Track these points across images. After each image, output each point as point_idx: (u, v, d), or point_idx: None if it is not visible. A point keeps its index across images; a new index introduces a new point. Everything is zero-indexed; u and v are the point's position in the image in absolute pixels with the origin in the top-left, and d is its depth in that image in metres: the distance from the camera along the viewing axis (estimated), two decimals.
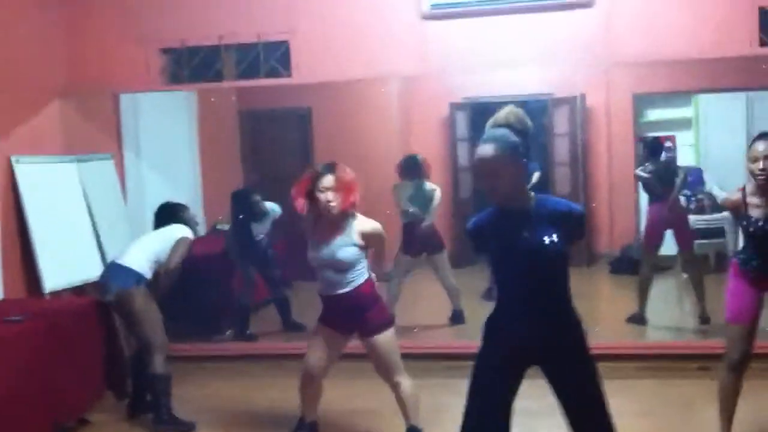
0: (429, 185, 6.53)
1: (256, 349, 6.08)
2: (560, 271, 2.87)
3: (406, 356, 4.27)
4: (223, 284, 6.64)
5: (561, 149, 8.78)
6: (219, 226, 7.18)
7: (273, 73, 5.78)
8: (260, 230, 6.56)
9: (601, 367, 5.20)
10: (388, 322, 4.05)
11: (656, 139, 6.87)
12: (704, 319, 6.27)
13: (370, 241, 4.02)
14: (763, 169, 3.58)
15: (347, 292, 3.95)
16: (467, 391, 2.94)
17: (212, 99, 6.12)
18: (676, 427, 4.36)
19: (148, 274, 4.70)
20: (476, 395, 2.92)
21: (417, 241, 6.44)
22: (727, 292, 3.85)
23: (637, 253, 7.36)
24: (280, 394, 5.02)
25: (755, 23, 5.34)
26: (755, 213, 3.69)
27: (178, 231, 4.82)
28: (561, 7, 5.67)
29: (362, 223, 3.99)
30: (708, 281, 6.43)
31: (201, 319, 6.40)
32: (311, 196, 3.89)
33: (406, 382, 4.03)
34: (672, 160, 6.66)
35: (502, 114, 2.88)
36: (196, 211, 7.32)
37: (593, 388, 2.86)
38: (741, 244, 3.91)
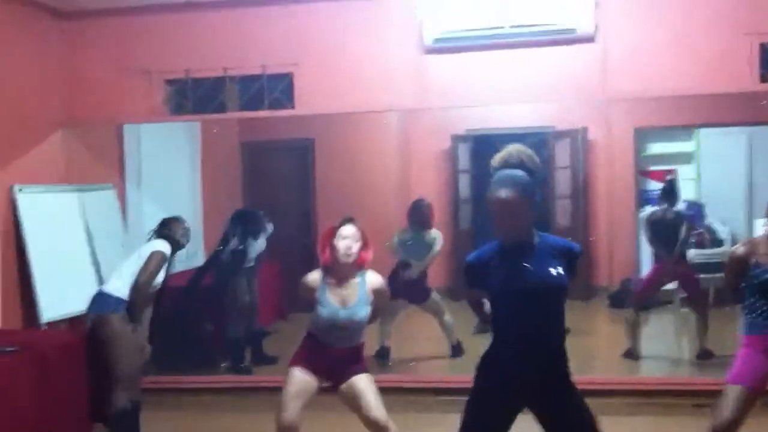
0: (431, 233, 6.50)
1: (252, 382, 6.00)
2: (560, 306, 2.93)
3: (401, 390, 4.27)
4: (216, 316, 6.61)
5: (562, 182, 8.78)
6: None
7: (276, 105, 5.84)
8: (257, 249, 6.53)
9: (596, 402, 5.20)
10: (366, 369, 4.04)
11: (673, 183, 6.77)
12: (704, 354, 6.22)
13: (378, 298, 4.01)
14: None
15: (349, 348, 3.96)
16: (459, 427, 2.93)
17: (215, 130, 6.16)
18: None
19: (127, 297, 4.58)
20: (468, 426, 2.93)
21: (399, 288, 6.39)
22: (736, 358, 3.77)
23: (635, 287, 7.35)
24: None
25: (756, 59, 5.38)
26: (765, 261, 3.66)
27: (153, 245, 4.70)
28: (561, 42, 5.74)
29: (374, 280, 3.98)
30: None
31: (200, 352, 6.39)
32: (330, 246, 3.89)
33: (392, 425, 3.93)
34: (679, 213, 6.57)
35: (512, 152, 2.94)
36: (197, 242, 7.37)
37: (589, 425, 2.88)
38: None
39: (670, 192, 6.50)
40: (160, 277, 4.69)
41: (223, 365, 6.46)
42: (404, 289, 6.33)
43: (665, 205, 6.47)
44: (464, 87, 5.92)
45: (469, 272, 3.01)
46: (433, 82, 5.87)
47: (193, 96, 5.91)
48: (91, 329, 4.61)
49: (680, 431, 4.86)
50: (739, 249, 3.81)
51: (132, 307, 4.57)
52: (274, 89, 5.86)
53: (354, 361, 3.99)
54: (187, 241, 5.01)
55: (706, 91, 5.60)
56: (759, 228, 5.12)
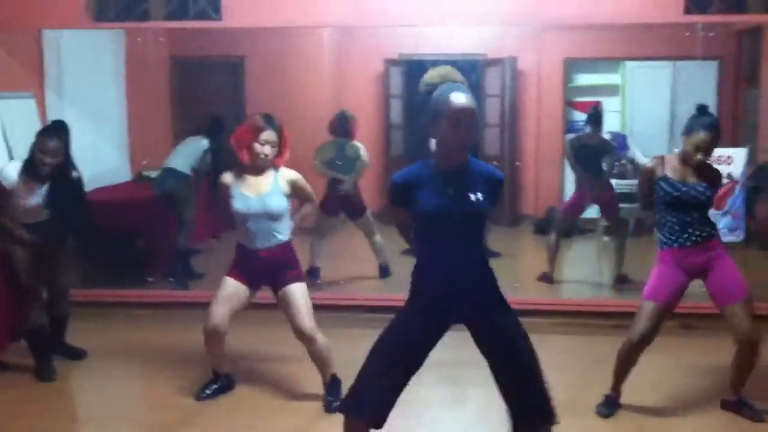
0: (354, 145, 6.44)
1: (181, 297, 5.98)
2: (481, 229, 2.93)
3: (331, 308, 4.32)
4: (150, 231, 6.51)
5: (492, 110, 8.86)
6: (145, 173, 7.02)
7: (203, 16, 5.63)
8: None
9: (521, 321, 5.41)
10: (303, 280, 4.12)
11: (599, 109, 6.83)
12: (621, 279, 6.48)
13: (296, 190, 4.08)
14: (700, 159, 3.80)
15: (274, 247, 4.00)
16: (380, 337, 2.91)
17: (139, 39, 5.92)
18: (589, 381, 4.50)
19: None
20: (389, 337, 2.89)
21: (335, 203, 6.43)
22: (652, 273, 3.97)
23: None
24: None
25: None
26: (674, 176, 3.87)
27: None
28: None
29: (287, 173, 4.06)
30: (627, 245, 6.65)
31: (127, 267, 6.31)
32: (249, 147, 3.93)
33: (321, 337, 4.04)
34: (605, 140, 6.71)
35: (450, 72, 2.86)
36: (123, 156, 7.19)
37: (520, 339, 2.89)
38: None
39: (595, 118, 6.60)
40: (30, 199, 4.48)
41: (150, 279, 6.41)
42: (341, 204, 6.39)
43: (590, 131, 6.56)
44: (400, 7, 5.84)
45: (394, 191, 2.91)
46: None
47: (116, 3, 5.64)
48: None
49: (600, 349, 5.04)
50: (649, 164, 4.00)
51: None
52: None
53: (287, 266, 4.05)
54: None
55: (635, 20, 5.68)
56: None
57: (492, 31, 7.42)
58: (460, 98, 2.73)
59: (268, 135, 3.91)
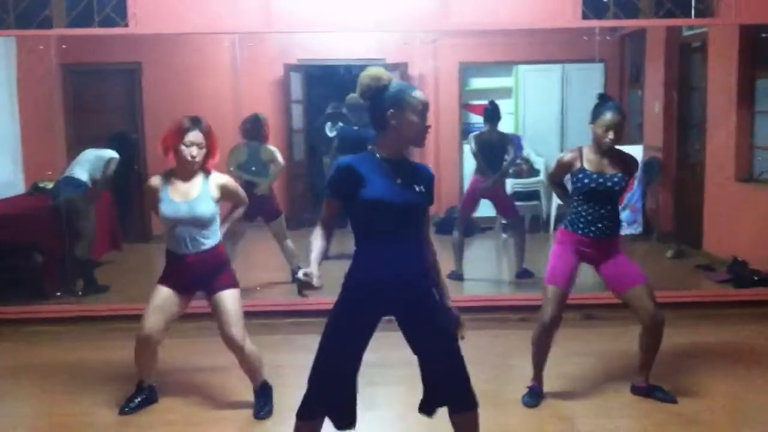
0: (268, 148, 6.44)
1: (82, 311, 5.79)
2: (421, 224, 3.02)
3: (249, 314, 4.27)
4: (46, 244, 6.28)
5: None
6: (41, 184, 6.76)
7: (108, 23, 5.51)
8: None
9: None
10: (236, 284, 4.07)
11: (495, 105, 6.99)
12: (523, 273, 6.73)
13: (227, 194, 4.05)
14: (611, 138, 3.94)
15: (203, 252, 3.94)
16: (321, 339, 2.99)
17: (41, 47, 5.71)
18: (498, 373, 4.68)
19: None
20: (331, 344, 2.96)
21: (252, 207, 6.39)
22: (551, 255, 4.16)
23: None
24: (113, 354, 4.91)
25: None
26: (590, 167, 4.03)
27: None
28: None
29: (217, 177, 4.01)
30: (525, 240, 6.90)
31: (24, 282, 6.08)
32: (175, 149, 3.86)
33: (250, 344, 4.03)
34: (505, 135, 6.90)
35: (381, 72, 2.97)
36: (16, 168, 6.91)
37: (449, 338, 2.98)
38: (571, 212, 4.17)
39: (492, 113, 6.79)
40: None
41: (58, 294, 6.18)
42: (257, 207, 6.33)
43: (489, 126, 6.75)
44: (299, 13, 5.90)
45: (339, 176, 2.90)
46: (276, 6, 5.80)
47: (15, 9, 5.44)
48: None
49: (510, 342, 5.25)
50: (567, 155, 4.16)
51: None
52: (105, 5, 5.52)
53: (217, 272, 3.99)
54: None
55: (537, 26, 5.95)
56: None
57: (391, 36, 7.56)
58: (420, 92, 2.95)
59: (194, 136, 3.82)
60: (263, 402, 4.07)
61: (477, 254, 8.06)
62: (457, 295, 6.23)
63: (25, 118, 7.00)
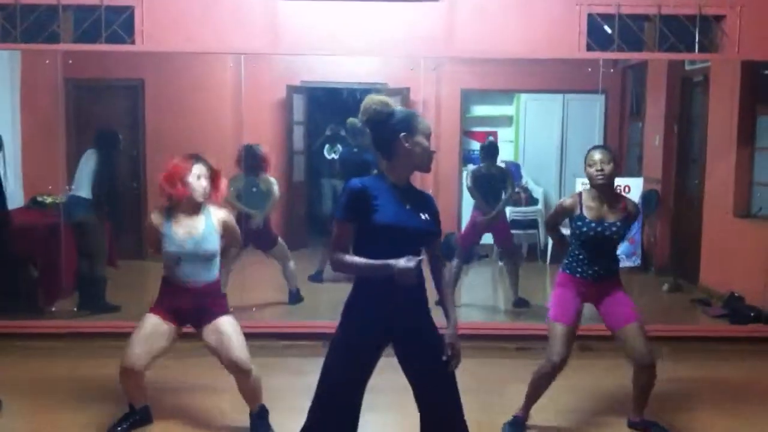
0: (266, 178, 6.48)
1: (76, 328, 5.77)
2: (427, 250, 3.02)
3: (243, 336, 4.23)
4: (42, 259, 6.25)
5: None
6: (40, 198, 6.75)
7: (115, 39, 5.53)
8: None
9: None
10: (228, 311, 4.05)
11: (493, 143, 7.19)
12: (519, 302, 6.71)
13: (227, 231, 4.03)
14: (600, 170, 3.98)
15: (205, 285, 3.92)
16: (323, 369, 2.95)
17: (47, 62, 5.73)
18: (492, 402, 4.64)
19: None
20: (335, 374, 2.93)
21: (246, 236, 6.40)
22: (553, 297, 4.15)
23: (455, 243, 7.72)
24: (105, 372, 4.85)
25: (584, 28, 5.81)
26: (589, 214, 4.04)
27: None
28: None
29: (219, 213, 4.00)
30: (521, 270, 6.89)
31: (15, 296, 6.03)
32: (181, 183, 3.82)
33: (254, 368, 3.97)
34: (504, 170, 6.97)
35: (384, 98, 3.02)
36: (16, 180, 6.90)
37: (445, 363, 2.95)
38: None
39: (490, 150, 6.87)
40: None
41: (53, 309, 6.14)
42: (251, 237, 6.32)
43: (487, 162, 6.80)
44: (302, 35, 5.93)
45: (352, 197, 2.85)
46: (281, 28, 5.83)
47: (23, 24, 5.46)
48: None
49: (506, 371, 5.23)
50: (567, 200, 4.19)
51: None
52: (113, 22, 5.55)
53: (214, 302, 3.98)
54: None
55: (541, 56, 5.99)
56: (578, 185, 5.63)
57: (394, 60, 7.61)
58: (427, 122, 3.03)
59: (200, 168, 3.85)
60: (262, 426, 4.03)
61: (475, 281, 8.06)
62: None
63: (27, 131, 7.00)
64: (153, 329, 3.91)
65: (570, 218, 4.12)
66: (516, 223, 8.33)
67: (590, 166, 4.02)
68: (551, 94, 8.78)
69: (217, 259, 3.99)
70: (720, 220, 6.95)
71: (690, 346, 5.59)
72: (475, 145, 9.28)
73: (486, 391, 4.87)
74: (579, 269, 4.07)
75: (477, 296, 7.60)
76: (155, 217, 3.92)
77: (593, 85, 6.06)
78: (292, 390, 4.69)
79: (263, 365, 4.46)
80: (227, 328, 3.93)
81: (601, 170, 3.98)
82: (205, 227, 3.90)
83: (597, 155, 4.02)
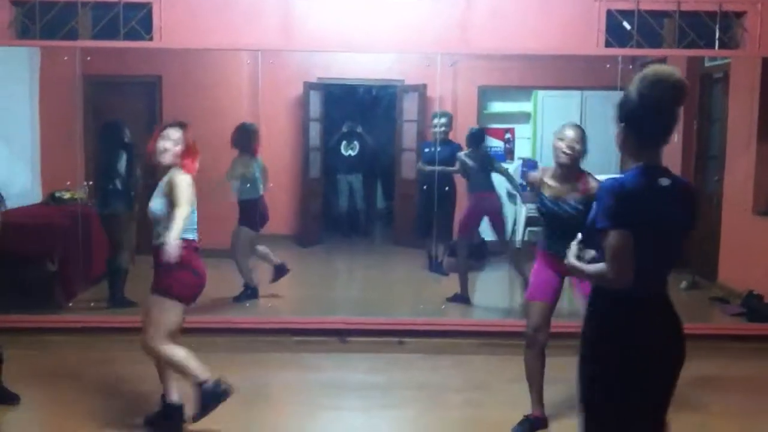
0: (259, 159, 6.54)
1: (93, 322, 5.77)
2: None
3: (256, 331, 4.25)
4: (60, 254, 6.29)
5: (408, 135, 9.02)
6: (59, 194, 6.80)
7: (132, 36, 5.56)
8: None
9: (442, 343, 5.52)
10: (162, 291, 3.85)
11: (481, 129, 7.27)
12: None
13: (170, 190, 3.84)
14: (569, 147, 3.92)
15: (154, 248, 3.85)
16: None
17: (65, 58, 5.78)
18: (506, 398, 4.62)
19: None
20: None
21: (259, 217, 6.48)
22: (531, 273, 4.17)
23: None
24: (120, 368, 4.93)
25: (603, 24, 5.76)
26: (547, 192, 4.01)
27: None
28: None
29: (175, 175, 3.86)
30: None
31: (33, 291, 6.06)
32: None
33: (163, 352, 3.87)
34: (488, 154, 7.13)
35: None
36: (34, 176, 6.96)
37: None
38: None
39: (476, 137, 6.91)
40: None
41: (70, 304, 6.18)
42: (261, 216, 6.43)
43: (473, 148, 6.83)
44: (320, 32, 5.93)
45: (623, 203, 2.49)
46: (298, 24, 5.83)
47: (42, 20, 5.50)
48: None
49: (520, 368, 5.18)
50: (535, 174, 4.21)
51: None
52: (131, 19, 5.57)
53: (157, 273, 3.87)
54: None
55: (559, 52, 5.95)
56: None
57: (411, 57, 7.60)
58: None
59: (169, 132, 3.90)
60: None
61: (487, 279, 8.03)
62: (464, 318, 6.27)
63: (45, 128, 7.06)
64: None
65: (537, 194, 4.11)
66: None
67: (561, 140, 3.97)
68: (569, 90, 8.74)
69: (166, 222, 3.77)
70: (739, 218, 6.88)
71: (706, 344, 5.50)
72: (493, 142, 9.26)
73: (498, 388, 4.88)
74: (549, 245, 4.04)
75: (489, 294, 7.56)
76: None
77: (612, 81, 6.00)
78: (306, 385, 4.71)
79: (276, 361, 4.49)
80: (148, 306, 3.91)
81: (571, 148, 3.93)
82: (158, 188, 3.92)
83: (571, 132, 3.98)
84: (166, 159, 3.87)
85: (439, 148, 7.08)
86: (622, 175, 2.59)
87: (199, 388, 3.83)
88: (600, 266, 2.57)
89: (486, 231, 7.02)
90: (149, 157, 3.95)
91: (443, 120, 7.22)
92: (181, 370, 3.88)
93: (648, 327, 2.59)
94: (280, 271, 6.58)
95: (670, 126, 2.56)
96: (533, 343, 4.10)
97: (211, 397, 3.82)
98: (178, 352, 3.85)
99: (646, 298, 2.57)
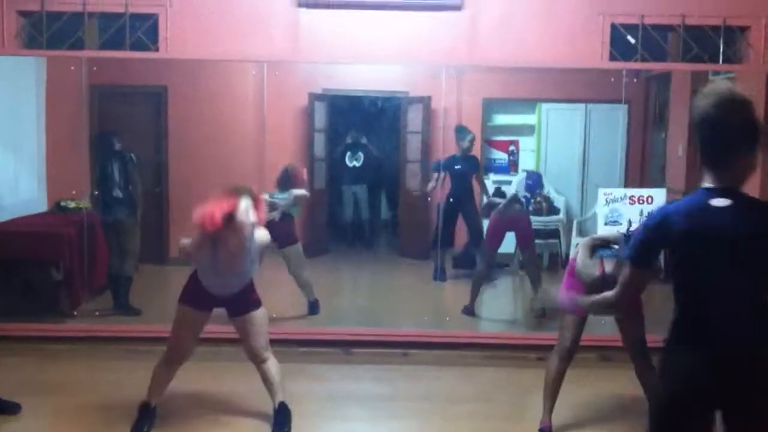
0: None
1: (97, 332, 5.80)
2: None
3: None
4: (66, 263, 6.31)
5: (413, 147, 9.03)
6: (64, 203, 6.82)
7: (139, 46, 5.59)
8: None
9: (447, 355, 5.53)
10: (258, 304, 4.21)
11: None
12: (541, 312, 6.67)
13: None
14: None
15: None
16: None
17: (72, 68, 5.82)
18: (512, 411, 4.64)
19: None
20: None
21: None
22: (564, 286, 4.17)
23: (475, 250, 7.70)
24: (125, 376, 4.93)
25: (607, 38, 5.79)
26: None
27: None
28: (430, 8, 5.88)
29: None
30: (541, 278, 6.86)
31: (38, 300, 6.10)
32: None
33: (273, 359, 4.17)
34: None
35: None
36: (40, 185, 6.98)
37: None
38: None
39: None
40: None
41: (75, 313, 6.18)
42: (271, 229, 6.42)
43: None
44: (325, 43, 5.96)
45: (655, 233, 2.50)
46: (303, 36, 5.86)
47: (48, 30, 5.53)
48: None
49: (526, 380, 5.20)
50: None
51: None
52: (137, 29, 5.61)
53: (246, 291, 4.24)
54: None
55: (564, 65, 5.97)
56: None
57: (416, 69, 7.62)
58: None
59: (246, 202, 3.91)
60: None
61: (495, 291, 8.03)
62: (473, 331, 6.26)
63: (52, 137, 7.08)
64: (195, 318, 4.16)
65: None
66: (537, 233, 8.28)
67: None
68: (574, 103, 8.75)
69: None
70: None
71: None
72: (498, 154, 9.27)
73: (506, 400, 4.87)
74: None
75: (497, 306, 7.56)
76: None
77: (616, 95, 6.03)
78: (313, 396, 4.71)
79: (281, 371, 4.48)
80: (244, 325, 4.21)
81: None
82: None
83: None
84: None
85: (462, 163, 7.32)
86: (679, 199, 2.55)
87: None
88: (607, 294, 2.71)
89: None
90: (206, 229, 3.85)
91: (471, 135, 7.48)
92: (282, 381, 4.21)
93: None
94: (313, 308, 6.58)
95: (731, 144, 2.43)
96: (568, 357, 4.13)
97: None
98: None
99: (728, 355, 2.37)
